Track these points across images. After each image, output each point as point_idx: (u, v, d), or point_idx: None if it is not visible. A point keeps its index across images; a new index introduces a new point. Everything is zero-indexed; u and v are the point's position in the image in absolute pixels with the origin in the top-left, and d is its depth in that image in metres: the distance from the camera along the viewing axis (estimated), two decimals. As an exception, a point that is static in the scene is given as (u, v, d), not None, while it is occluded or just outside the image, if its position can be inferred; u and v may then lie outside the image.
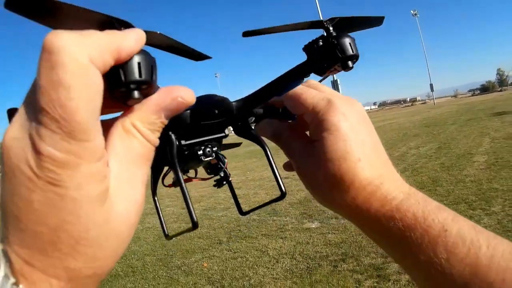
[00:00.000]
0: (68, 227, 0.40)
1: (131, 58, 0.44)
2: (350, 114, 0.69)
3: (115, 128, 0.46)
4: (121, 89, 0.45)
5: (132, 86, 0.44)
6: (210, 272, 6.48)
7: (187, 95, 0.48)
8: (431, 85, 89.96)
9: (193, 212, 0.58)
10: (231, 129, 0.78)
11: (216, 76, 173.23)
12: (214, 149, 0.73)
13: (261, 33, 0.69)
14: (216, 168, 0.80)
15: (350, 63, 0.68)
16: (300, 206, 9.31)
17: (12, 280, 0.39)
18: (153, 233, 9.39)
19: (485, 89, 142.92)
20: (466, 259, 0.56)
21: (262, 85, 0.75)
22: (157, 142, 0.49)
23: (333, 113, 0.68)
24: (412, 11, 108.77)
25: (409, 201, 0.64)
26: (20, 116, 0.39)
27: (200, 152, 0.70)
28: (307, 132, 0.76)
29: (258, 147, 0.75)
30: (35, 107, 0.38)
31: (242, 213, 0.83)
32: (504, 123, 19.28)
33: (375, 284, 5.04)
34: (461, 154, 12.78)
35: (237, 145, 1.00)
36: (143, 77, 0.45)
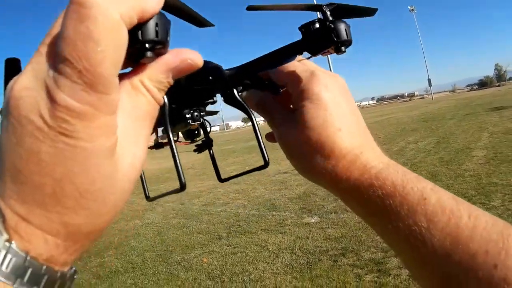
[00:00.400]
0: (75, 178, 0.39)
1: (149, 18, 0.45)
2: (332, 86, 0.73)
3: (123, 85, 0.46)
4: (137, 46, 0.45)
5: (147, 45, 0.45)
6: (210, 268, 6.48)
7: (196, 58, 0.49)
8: (429, 80, 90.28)
9: (181, 173, 0.58)
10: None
11: None
12: (201, 113, 0.75)
13: (264, 9, 0.71)
14: (193, 134, 0.84)
15: (343, 47, 0.70)
16: (299, 201, 9.33)
17: (5, 236, 0.39)
18: (152, 229, 9.37)
19: (483, 84, 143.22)
20: (446, 229, 0.56)
21: (256, 57, 0.77)
22: (162, 101, 0.49)
23: (316, 83, 0.72)
24: (409, 7, 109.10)
25: (388, 170, 0.66)
26: (33, 66, 0.39)
27: (189, 116, 0.72)
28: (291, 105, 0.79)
29: (256, 143, 0.75)
30: (55, 58, 0.38)
31: (221, 180, 0.85)
32: (502, 118, 19.35)
33: (376, 278, 5.05)
34: (460, 149, 12.82)
35: (214, 113, 1.00)
36: (159, 37, 0.45)
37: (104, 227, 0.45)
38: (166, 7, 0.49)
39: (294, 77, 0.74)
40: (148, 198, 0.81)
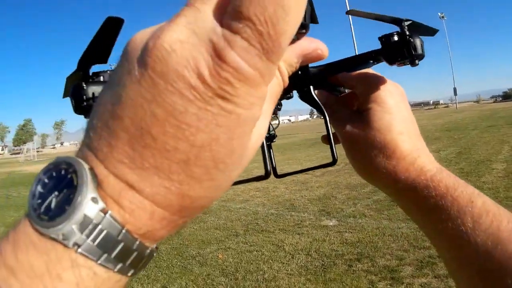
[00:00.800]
0: (216, 146, 0.36)
1: None
2: (395, 93, 0.81)
3: None
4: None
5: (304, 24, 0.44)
6: (224, 264, 6.51)
7: (325, 50, 0.48)
8: (455, 89, 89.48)
9: (267, 162, 0.72)
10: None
11: None
12: (278, 107, 0.83)
13: (361, 16, 0.83)
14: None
15: (417, 61, 0.77)
16: (319, 203, 9.34)
17: (101, 205, 0.36)
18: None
19: (507, 96, 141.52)
20: (489, 230, 0.63)
21: (340, 59, 0.84)
22: (287, 83, 0.47)
23: (382, 89, 0.80)
24: (439, 14, 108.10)
25: (441, 174, 0.73)
26: (189, 21, 0.35)
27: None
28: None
29: (280, 142, 0.78)
30: (228, 15, 0.34)
31: (277, 175, 0.89)
32: (524, 132, 19.01)
33: (388, 286, 5.06)
34: (481, 161, 12.74)
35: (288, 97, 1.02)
36: (306, 21, 0.45)
37: (212, 202, 0.42)
38: None
39: (364, 81, 0.82)
40: (275, 175, 0.87)
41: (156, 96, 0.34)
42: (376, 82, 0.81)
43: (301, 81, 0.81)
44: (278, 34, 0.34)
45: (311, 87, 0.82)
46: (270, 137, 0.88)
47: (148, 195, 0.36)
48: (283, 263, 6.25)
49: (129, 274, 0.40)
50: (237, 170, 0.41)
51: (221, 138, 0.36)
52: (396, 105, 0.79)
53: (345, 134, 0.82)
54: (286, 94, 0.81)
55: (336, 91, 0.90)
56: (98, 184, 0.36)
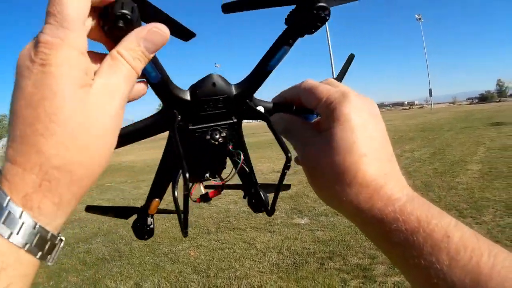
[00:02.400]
0: (46, 102, 0.47)
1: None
2: (362, 109, 0.69)
3: (105, 59, 0.56)
4: (110, 18, 0.56)
5: (118, 16, 0.56)
6: (196, 262, 6.48)
7: (162, 27, 0.59)
8: (430, 90, 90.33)
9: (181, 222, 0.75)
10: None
11: (216, 66, 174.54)
12: (222, 135, 0.78)
13: (242, 9, 0.74)
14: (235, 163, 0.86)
15: (322, 13, 0.70)
16: (290, 201, 9.32)
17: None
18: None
19: (483, 98, 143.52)
20: (467, 266, 0.54)
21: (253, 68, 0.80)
22: (138, 68, 0.58)
23: (346, 105, 0.68)
24: (416, 15, 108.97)
25: (412, 204, 0.62)
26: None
27: (208, 137, 0.77)
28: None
29: (252, 140, 0.74)
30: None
31: (270, 213, 0.89)
32: (500, 133, 19.40)
33: (361, 284, 5.06)
34: (455, 161, 12.85)
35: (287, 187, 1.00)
36: (125, 10, 0.56)
37: (82, 174, 0.51)
38: (145, 16, 0.61)
39: (325, 98, 0.71)
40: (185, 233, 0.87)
41: (16, 88, 0.49)
42: (338, 97, 0.70)
43: (238, 102, 0.80)
44: (63, 8, 0.50)
45: (248, 101, 0.81)
46: (204, 196, 0.91)
47: (21, 164, 0.47)
48: (255, 261, 6.24)
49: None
50: (84, 134, 0.50)
51: (46, 94, 0.47)
52: (362, 123, 0.67)
53: (303, 156, 0.73)
54: (225, 119, 0.81)
55: (306, 114, 0.83)
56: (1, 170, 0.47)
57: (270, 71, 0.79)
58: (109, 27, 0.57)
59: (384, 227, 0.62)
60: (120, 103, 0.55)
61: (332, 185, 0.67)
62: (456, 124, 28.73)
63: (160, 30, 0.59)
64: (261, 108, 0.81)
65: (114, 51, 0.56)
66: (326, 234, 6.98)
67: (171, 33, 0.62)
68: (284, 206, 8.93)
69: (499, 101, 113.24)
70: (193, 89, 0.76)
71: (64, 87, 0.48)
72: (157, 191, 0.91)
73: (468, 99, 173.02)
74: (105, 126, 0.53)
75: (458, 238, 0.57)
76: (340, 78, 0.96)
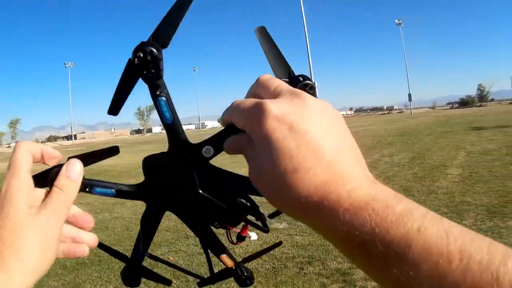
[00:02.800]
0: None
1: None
2: (286, 115, 0.60)
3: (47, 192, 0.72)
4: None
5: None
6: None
7: (73, 161, 0.76)
8: (409, 95, 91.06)
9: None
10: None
11: (194, 70, 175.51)
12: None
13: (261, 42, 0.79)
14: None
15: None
16: (269, 206, 9.10)
17: None
18: (121, 223, 9.36)
19: (464, 103, 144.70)
20: (434, 273, 0.48)
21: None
22: (73, 193, 0.74)
23: (263, 118, 0.60)
24: (396, 21, 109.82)
25: (364, 212, 0.53)
26: None
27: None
28: None
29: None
30: None
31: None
32: (481, 138, 19.61)
33: (341, 288, 5.03)
34: (435, 166, 12.94)
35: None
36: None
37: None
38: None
39: (244, 120, 0.65)
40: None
41: None
42: (254, 111, 0.62)
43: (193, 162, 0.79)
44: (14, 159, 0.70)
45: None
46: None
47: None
48: (235, 266, 6.14)
49: None
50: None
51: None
52: (283, 136, 0.58)
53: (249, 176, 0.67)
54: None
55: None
56: None
57: (170, 124, 0.79)
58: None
59: (338, 241, 0.57)
60: (54, 231, 0.69)
61: (279, 205, 0.64)
62: (436, 128, 28.95)
63: (73, 163, 0.75)
64: (209, 150, 0.77)
65: (53, 187, 0.72)
66: (305, 238, 7.00)
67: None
68: (263, 211, 8.80)
69: (480, 106, 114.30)
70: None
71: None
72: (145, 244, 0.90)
73: (448, 103, 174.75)
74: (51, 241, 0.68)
75: (421, 244, 0.50)
76: None
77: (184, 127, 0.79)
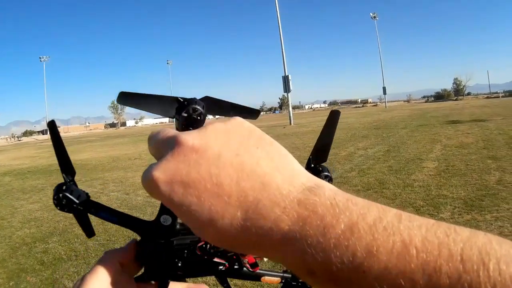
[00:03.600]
0: None
1: None
2: (169, 159, 0.54)
3: None
4: None
5: None
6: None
7: None
8: (384, 88, 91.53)
9: None
10: None
11: (168, 63, 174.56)
12: None
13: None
14: None
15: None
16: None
17: None
18: (95, 217, 9.18)
19: (439, 96, 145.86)
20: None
21: None
22: None
23: (154, 167, 0.54)
24: (371, 14, 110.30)
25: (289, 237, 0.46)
26: None
27: None
28: None
29: None
30: None
31: None
32: (457, 131, 19.87)
33: None
34: (410, 159, 13.06)
35: None
36: None
37: None
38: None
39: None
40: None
41: None
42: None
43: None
44: None
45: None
46: None
47: None
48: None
49: None
50: None
51: None
52: (168, 183, 0.52)
53: None
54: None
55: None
56: None
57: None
58: None
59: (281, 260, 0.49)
60: None
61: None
62: (411, 122, 29.18)
63: None
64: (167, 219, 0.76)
65: None
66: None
67: (240, 115, 0.61)
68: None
69: (456, 100, 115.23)
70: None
71: None
72: None
73: (424, 97, 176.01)
74: None
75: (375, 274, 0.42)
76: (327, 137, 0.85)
77: (157, 120, 0.76)
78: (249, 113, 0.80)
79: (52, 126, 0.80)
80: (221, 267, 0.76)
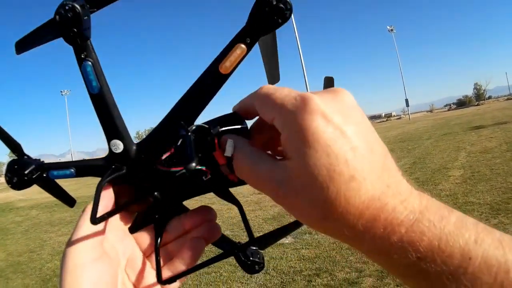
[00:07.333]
0: None
1: None
2: (333, 113, 0.51)
3: None
4: None
5: None
6: (184, 287, 6.39)
7: None
8: (407, 100, 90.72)
9: None
10: None
11: (62, 94, 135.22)
12: None
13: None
14: None
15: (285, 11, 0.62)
16: (273, 222, 9.36)
17: None
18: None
19: (461, 103, 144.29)
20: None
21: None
22: None
23: (309, 115, 0.50)
24: (388, 27, 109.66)
25: (421, 224, 0.48)
26: None
27: None
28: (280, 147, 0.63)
29: None
30: None
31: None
32: (480, 137, 19.61)
33: (350, 299, 5.01)
34: (436, 169, 12.91)
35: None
36: None
37: None
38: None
39: (281, 110, 0.54)
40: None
41: None
42: (296, 106, 0.52)
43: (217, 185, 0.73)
44: None
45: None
46: None
47: None
48: (242, 282, 6.24)
49: None
50: None
51: None
52: (338, 134, 0.49)
53: (274, 197, 0.55)
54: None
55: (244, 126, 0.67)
56: None
57: (96, 94, 0.70)
58: None
59: (392, 259, 0.49)
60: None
61: (321, 223, 0.52)
62: (435, 131, 28.87)
63: None
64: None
65: None
66: (311, 251, 6.98)
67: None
68: (268, 227, 8.92)
69: (478, 105, 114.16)
70: None
71: None
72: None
73: (446, 105, 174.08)
74: None
75: (481, 257, 0.46)
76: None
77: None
78: None
79: None
80: (203, 176, 0.63)
